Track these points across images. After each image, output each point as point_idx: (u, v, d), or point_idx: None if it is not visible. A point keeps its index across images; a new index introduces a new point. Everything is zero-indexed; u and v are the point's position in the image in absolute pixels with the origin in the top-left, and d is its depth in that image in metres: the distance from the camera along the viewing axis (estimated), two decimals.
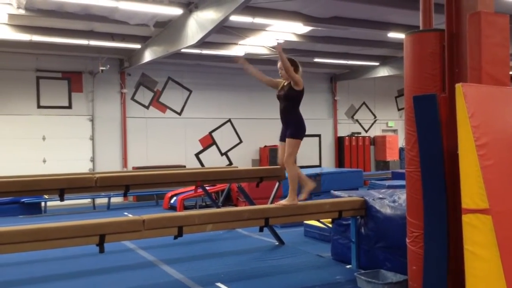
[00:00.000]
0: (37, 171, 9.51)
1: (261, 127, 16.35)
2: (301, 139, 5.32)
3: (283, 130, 5.43)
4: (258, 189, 7.40)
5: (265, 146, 16.23)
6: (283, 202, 5.44)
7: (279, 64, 5.31)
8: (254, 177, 7.14)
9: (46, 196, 11.06)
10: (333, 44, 12.95)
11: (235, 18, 9.40)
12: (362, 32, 11.68)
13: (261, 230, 5.66)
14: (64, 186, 5.65)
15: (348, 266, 5.89)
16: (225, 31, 10.48)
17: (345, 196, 6.08)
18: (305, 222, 7.73)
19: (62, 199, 5.69)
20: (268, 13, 9.87)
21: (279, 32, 11.59)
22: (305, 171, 10.94)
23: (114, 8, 9.29)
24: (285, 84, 5.38)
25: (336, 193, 6.33)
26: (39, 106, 13.10)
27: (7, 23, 10.25)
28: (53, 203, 11.65)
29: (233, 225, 5.75)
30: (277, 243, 7.37)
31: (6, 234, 4.12)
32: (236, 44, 12.79)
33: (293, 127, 5.29)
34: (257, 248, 7.25)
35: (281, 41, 5.51)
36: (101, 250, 4.49)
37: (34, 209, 11.46)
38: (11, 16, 9.73)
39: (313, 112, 17.50)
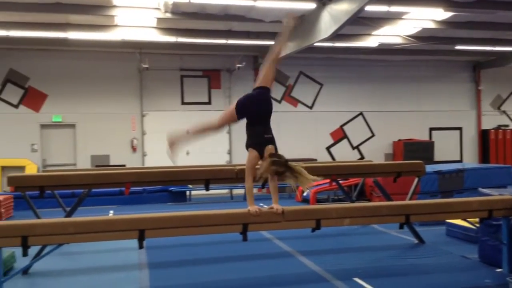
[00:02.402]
0: (182, 163, 10.25)
1: (395, 120, 15.76)
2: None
3: None
4: (394, 185, 7.17)
5: (399, 140, 15.59)
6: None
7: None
8: (391, 172, 6.93)
9: (190, 186, 11.96)
10: (478, 30, 11.98)
11: (369, 8, 9.16)
12: (511, 15, 10.61)
13: (401, 227, 5.45)
14: (210, 176, 6.09)
15: (498, 270, 5.44)
16: (358, 22, 10.27)
17: (495, 194, 5.61)
18: (448, 221, 7.29)
19: (207, 189, 6.10)
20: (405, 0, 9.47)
21: (416, 20, 11.05)
22: (445, 167, 10.28)
23: (251, 7, 9.68)
24: None
25: (484, 190, 5.88)
26: (183, 103, 14.22)
27: (155, 26, 11.30)
28: (195, 192, 12.56)
29: (370, 220, 5.62)
30: (417, 242, 7.06)
31: (162, 220, 4.51)
32: (369, 34, 12.47)
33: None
34: (395, 245, 7.02)
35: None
36: (245, 238, 4.70)
37: (181, 197, 12.50)
38: (159, 20, 10.71)
39: (452, 103, 16.39)
